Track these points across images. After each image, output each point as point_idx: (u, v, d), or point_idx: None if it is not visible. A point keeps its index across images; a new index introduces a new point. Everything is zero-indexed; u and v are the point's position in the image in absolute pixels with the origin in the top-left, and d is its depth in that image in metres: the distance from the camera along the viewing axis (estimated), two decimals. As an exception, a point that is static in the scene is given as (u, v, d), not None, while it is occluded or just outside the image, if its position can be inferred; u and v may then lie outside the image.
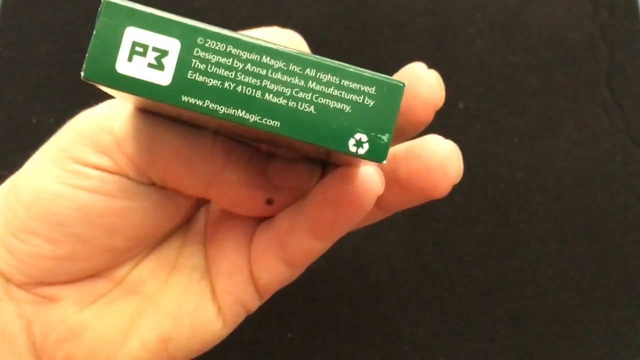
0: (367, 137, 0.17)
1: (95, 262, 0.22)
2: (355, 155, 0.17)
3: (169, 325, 0.22)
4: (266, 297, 0.24)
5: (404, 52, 0.35)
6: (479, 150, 0.34)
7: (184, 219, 0.24)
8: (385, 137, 0.17)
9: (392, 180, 0.21)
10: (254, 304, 0.23)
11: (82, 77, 0.16)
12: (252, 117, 0.17)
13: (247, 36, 0.17)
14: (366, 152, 0.17)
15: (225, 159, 0.21)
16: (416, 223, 0.33)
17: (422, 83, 0.21)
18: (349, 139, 0.17)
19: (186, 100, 0.17)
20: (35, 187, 0.21)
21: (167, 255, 0.23)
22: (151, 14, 0.17)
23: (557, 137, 0.35)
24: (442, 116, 0.35)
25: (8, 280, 0.21)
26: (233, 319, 0.23)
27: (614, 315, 0.33)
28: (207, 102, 0.17)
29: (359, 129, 0.17)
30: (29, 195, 0.21)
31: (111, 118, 0.21)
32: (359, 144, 0.17)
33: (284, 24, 0.36)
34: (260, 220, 0.23)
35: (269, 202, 0.22)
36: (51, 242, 0.21)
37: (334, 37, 0.35)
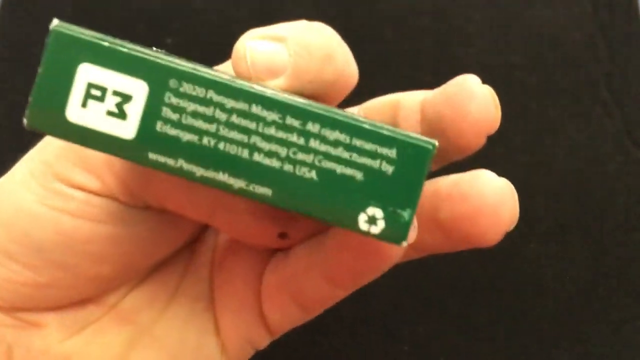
0: (383, 212, 0.13)
1: (81, 290, 0.19)
2: (367, 234, 0.14)
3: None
4: (277, 336, 0.21)
5: (404, 52, 0.35)
6: (479, 150, 0.34)
7: (186, 242, 0.21)
8: (406, 214, 0.13)
9: (431, 221, 0.17)
10: (262, 342, 0.21)
11: (24, 125, 0.13)
12: (237, 182, 0.13)
13: (235, 79, 0.14)
14: (381, 232, 0.14)
15: None
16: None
17: (473, 101, 0.18)
18: (360, 214, 0.14)
19: (154, 158, 0.13)
20: (15, 204, 0.18)
21: (168, 279, 0.21)
22: (111, 48, 0.13)
23: (557, 137, 0.35)
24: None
25: None
26: (239, 357, 0.21)
27: (614, 315, 0.33)
28: (181, 162, 0.13)
29: (372, 202, 0.13)
30: (8, 214, 0.18)
31: None
32: (371, 220, 0.13)
33: (283, 24, 0.36)
34: (275, 250, 0.20)
35: (282, 235, 0.19)
36: (29, 268, 0.18)
37: (333, 37, 0.35)
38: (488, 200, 0.17)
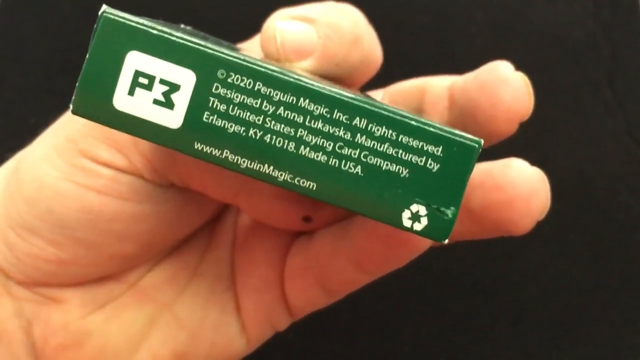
0: (427, 209, 0.14)
1: (103, 267, 0.19)
2: (410, 230, 0.14)
3: (185, 341, 0.20)
4: (298, 318, 0.21)
5: (404, 51, 0.35)
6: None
7: (208, 221, 0.21)
8: (450, 212, 0.13)
9: (462, 209, 0.17)
10: (283, 323, 0.21)
11: (70, 111, 0.13)
12: (282, 175, 0.13)
13: (284, 71, 0.13)
14: (424, 229, 0.14)
15: None
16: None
17: (507, 88, 0.18)
18: (404, 211, 0.14)
19: (199, 148, 0.13)
20: (38, 180, 0.18)
21: (188, 258, 0.21)
22: (161, 36, 0.13)
23: (558, 137, 0.35)
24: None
25: (7, 276, 0.19)
26: (258, 337, 0.21)
27: (615, 315, 0.33)
28: (226, 153, 0.13)
29: (417, 199, 0.13)
30: (31, 189, 0.18)
31: None
32: (415, 217, 0.13)
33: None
34: (299, 233, 0.20)
35: (307, 219, 0.19)
36: (53, 245, 0.18)
37: (334, 36, 0.35)
38: (521, 189, 0.17)
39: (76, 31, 0.35)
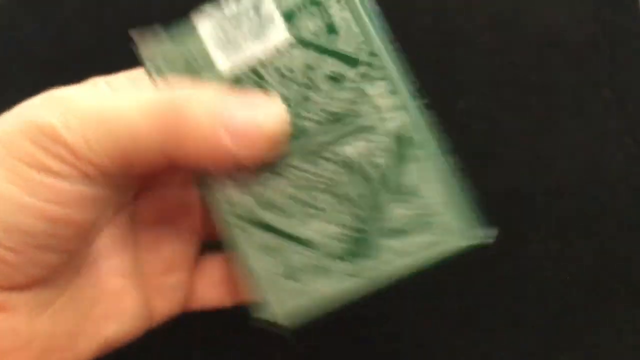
0: None
1: (56, 265, 0.21)
2: None
3: (112, 329, 0.23)
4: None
5: (404, 51, 0.35)
6: (479, 150, 0.34)
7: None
8: None
9: None
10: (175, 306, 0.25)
11: None
12: None
13: None
14: None
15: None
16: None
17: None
18: None
19: None
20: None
21: (103, 260, 0.23)
22: None
23: (558, 137, 0.35)
24: (442, 115, 0.35)
25: None
26: (165, 315, 0.24)
27: (615, 315, 0.33)
28: None
29: None
30: None
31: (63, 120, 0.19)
32: None
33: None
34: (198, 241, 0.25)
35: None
36: (9, 250, 0.20)
37: (334, 36, 0.35)
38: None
39: (77, 31, 0.35)
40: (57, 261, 0.21)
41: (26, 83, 0.34)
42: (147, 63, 0.21)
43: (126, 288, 0.23)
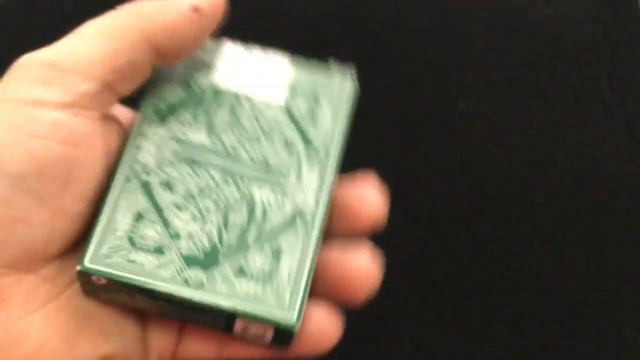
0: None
1: (50, 229, 0.20)
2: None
3: (110, 347, 0.22)
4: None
5: (404, 51, 0.35)
6: (479, 150, 0.34)
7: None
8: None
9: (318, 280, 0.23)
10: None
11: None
12: None
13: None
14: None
15: None
16: (416, 223, 0.33)
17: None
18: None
19: None
20: None
21: None
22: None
23: (558, 137, 0.35)
24: (442, 116, 0.35)
25: None
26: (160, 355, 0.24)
27: (614, 315, 0.33)
28: None
29: None
30: None
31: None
32: None
33: (284, 24, 0.36)
34: None
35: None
36: (3, 203, 0.19)
37: (334, 36, 0.35)
38: (360, 283, 0.23)
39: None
40: (56, 221, 0.20)
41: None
42: None
43: (123, 313, 0.22)
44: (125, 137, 0.23)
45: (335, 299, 0.24)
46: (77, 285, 0.22)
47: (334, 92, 0.25)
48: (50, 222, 0.20)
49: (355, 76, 0.25)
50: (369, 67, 0.33)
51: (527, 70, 0.36)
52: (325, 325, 0.24)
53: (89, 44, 0.21)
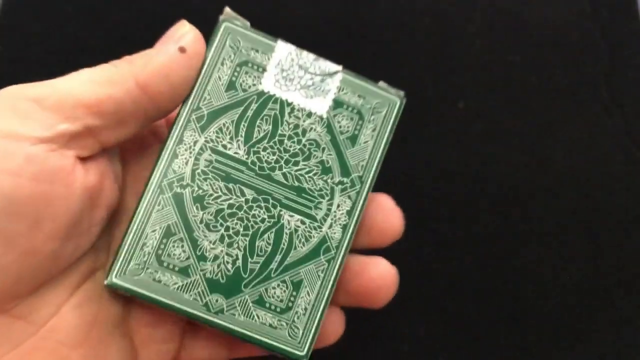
0: None
1: (19, 266, 0.20)
2: None
3: None
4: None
5: (404, 52, 0.35)
6: (479, 150, 0.34)
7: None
8: None
9: (340, 289, 0.25)
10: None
11: None
12: None
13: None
14: None
15: None
16: (416, 223, 0.33)
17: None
18: None
19: None
20: None
21: (88, 304, 0.22)
22: None
23: (557, 137, 0.35)
24: (442, 116, 0.35)
25: None
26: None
27: (614, 315, 0.33)
28: None
29: None
30: None
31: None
32: None
33: (284, 24, 0.36)
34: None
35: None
36: None
37: (334, 37, 0.35)
38: (382, 289, 0.25)
39: (77, 32, 0.35)
40: (26, 260, 0.20)
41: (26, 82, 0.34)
42: (221, 27, 0.24)
43: (112, 335, 0.22)
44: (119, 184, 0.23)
45: (355, 306, 0.24)
46: (54, 321, 0.21)
47: (379, 112, 0.24)
48: (18, 264, 0.20)
49: (404, 99, 0.24)
50: (369, 67, 0.33)
51: (525, 71, 0.36)
52: (329, 321, 0.24)
53: (79, 87, 0.21)
